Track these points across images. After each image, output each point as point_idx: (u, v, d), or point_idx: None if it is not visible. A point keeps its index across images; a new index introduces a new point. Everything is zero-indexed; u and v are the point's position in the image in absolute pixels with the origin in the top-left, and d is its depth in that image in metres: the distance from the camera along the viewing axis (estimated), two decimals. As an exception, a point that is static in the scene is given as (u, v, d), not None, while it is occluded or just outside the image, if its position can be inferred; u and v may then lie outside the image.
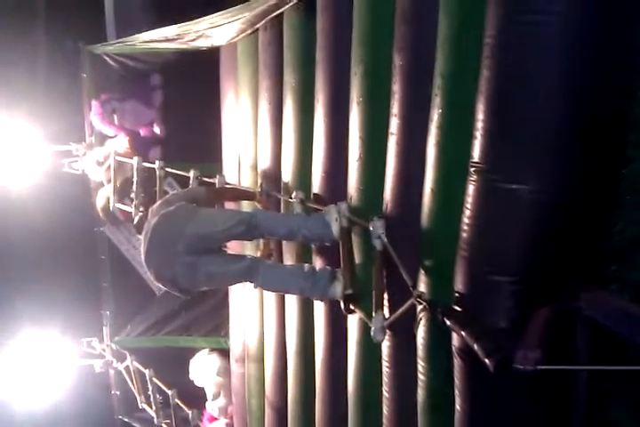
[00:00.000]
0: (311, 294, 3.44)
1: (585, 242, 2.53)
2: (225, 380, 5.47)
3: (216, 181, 4.31)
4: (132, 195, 4.81)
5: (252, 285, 3.50)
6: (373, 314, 3.10)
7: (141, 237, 3.39)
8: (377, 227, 3.01)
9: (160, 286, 3.48)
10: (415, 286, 2.91)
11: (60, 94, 6.51)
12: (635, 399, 2.44)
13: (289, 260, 4.04)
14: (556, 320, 2.42)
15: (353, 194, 3.33)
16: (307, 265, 3.51)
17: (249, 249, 4.47)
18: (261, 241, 4.27)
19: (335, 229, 3.28)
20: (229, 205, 4.47)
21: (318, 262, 3.71)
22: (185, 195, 3.79)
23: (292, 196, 3.73)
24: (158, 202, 3.67)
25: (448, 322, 2.65)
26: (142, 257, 3.36)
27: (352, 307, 3.37)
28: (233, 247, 4.24)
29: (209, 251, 3.30)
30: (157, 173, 4.58)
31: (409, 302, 2.90)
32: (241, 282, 3.72)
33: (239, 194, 4.33)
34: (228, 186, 4.36)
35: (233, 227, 3.34)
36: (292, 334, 4.14)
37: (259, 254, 4.21)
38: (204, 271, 3.25)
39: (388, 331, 3.06)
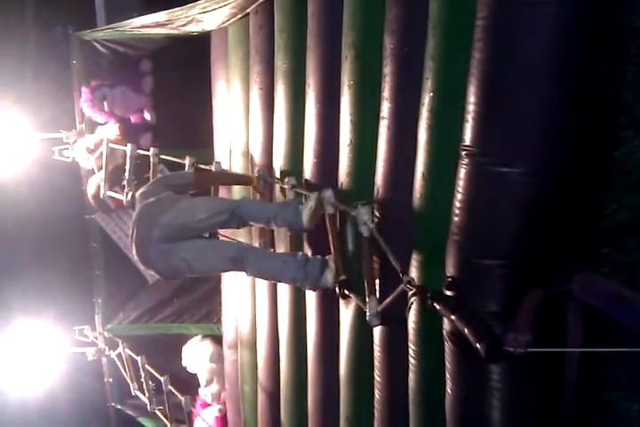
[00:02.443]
0: (303, 285, 3.44)
1: (576, 225, 2.54)
2: (218, 366, 5.47)
3: (212, 167, 4.28)
4: (124, 182, 4.77)
5: (245, 274, 3.50)
6: (367, 299, 3.10)
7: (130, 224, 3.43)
8: (362, 213, 2.99)
9: (150, 272, 3.51)
10: (405, 271, 2.90)
11: (50, 81, 6.45)
12: (627, 380, 2.46)
13: (281, 247, 4.04)
14: (547, 303, 2.42)
15: (344, 179, 3.32)
16: (299, 254, 3.51)
17: (241, 235, 4.45)
18: (253, 228, 4.27)
19: (305, 219, 3.26)
20: (222, 190, 4.45)
21: (310, 250, 3.70)
22: (172, 179, 3.77)
23: (285, 181, 3.71)
24: (146, 186, 3.66)
25: (438, 307, 2.65)
26: (131, 247, 3.40)
27: (347, 292, 3.37)
28: (224, 234, 4.22)
29: (187, 239, 3.31)
30: (151, 159, 4.55)
31: (399, 289, 2.90)
32: (229, 271, 3.71)
33: (233, 179, 4.31)
34: (222, 171, 4.34)
35: (214, 216, 3.36)
36: (285, 320, 4.14)
37: (255, 241, 4.21)
38: (181, 257, 3.26)
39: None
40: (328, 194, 3.25)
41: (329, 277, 3.32)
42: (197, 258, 3.31)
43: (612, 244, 2.47)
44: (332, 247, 3.37)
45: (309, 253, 3.65)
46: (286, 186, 3.69)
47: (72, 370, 6.04)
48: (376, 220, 3.09)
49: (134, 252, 3.38)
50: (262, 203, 3.87)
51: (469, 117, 2.52)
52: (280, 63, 3.83)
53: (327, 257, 3.41)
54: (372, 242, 3.04)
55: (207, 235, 3.71)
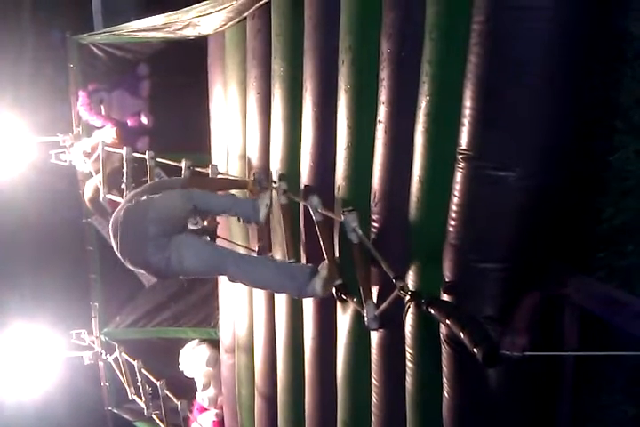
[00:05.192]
0: (292, 293, 3.44)
1: (572, 229, 2.54)
2: (215, 370, 5.47)
3: (208, 171, 4.29)
4: (123, 185, 4.76)
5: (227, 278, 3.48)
6: (364, 304, 3.10)
7: (110, 233, 3.40)
8: (349, 220, 2.97)
9: (139, 271, 3.52)
10: (400, 276, 2.90)
11: (47, 85, 6.46)
12: (623, 383, 2.46)
13: (278, 251, 4.04)
14: (543, 307, 2.43)
15: (341, 182, 3.32)
16: (288, 262, 3.51)
17: (238, 239, 4.46)
18: (251, 230, 4.28)
19: (262, 214, 3.46)
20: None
21: (306, 255, 3.70)
22: (164, 184, 3.77)
23: (275, 186, 3.72)
24: (135, 190, 3.66)
25: (432, 312, 2.65)
26: (116, 250, 3.38)
27: (344, 296, 3.37)
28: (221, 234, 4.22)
29: (179, 230, 3.34)
30: (148, 163, 4.55)
31: (393, 294, 2.89)
32: (214, 274, 3.69)
33: (228, 183, 4.30)
34: (219, 176, 4.34)
35: (182, 205, 3.40)
36: (282, 324, 4.14)
37: (252, 245, 4.21)
38: (175, 246, 3.25)
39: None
40: (315, 201, 3.25)
41: (317, 286, 3.29)
42: (188, 253, 3.29)
43: (607, 248, 2.47)
44: (324, 253, 3.37)
45: (304, 260, 3.67)
46: (274, 192, 3.68)
47: (69, 374, 6.04)
48: (373, 223, 3.09)
49: (124, 254, 3.34)
50: (214, 194, 3.85)
51: (466, 121, 2.52)
52: (277, 67, 3.84)
53: (321, 264, 3.40)
54: (363, 248, 3.03)
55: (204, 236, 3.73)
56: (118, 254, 3.37)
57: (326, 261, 3.38)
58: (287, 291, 3.43)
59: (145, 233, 3.25)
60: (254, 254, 4.11)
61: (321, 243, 3.35)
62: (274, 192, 3.73)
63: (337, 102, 3.30)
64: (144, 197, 3.45)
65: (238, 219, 3.69)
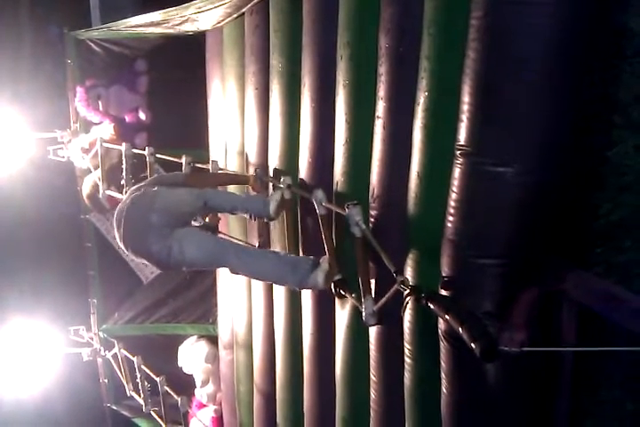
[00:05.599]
0: (293, 284, 3.44)
1: (570, 225, 2.54)
2: (213, 366, 5.48)
3: (208, 166, 4.28)
4: (122, 182, 4.76)
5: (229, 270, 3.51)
6: (362, 299, 3.10)
7: (114, 222, 3.44)
8: (353, 214, 2.97)
9: (142, 261, 3.53)
10: (399, 271, 2.90)
11: (45, 81, 6.45)
12: (621, 378, 2.46)
13: (277, 246, 4.04)
14: (541, 302, 2.43)
15: (339, 178, 3.32)
16: (289, 255, 3.51)
17: (236, 233, 4.45)
18: (249, 226, 4.27)
19: (272, 208, 3.53)
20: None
21: (307, 249, 3.70)
22: (165, 179, 3.78)
23: (281, 181, 3.71)
24: (138, 184, 3.67)
25: (432, 306, 2.65)
26: (118, 239, 3.41)
27: (342, 292, 3.37)
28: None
29: (182, 224, 3.37)
30: (147, 159, 4.55)
31: (393, 289, 2.89)
32: (216, 266, 3.73)
33: (229, 179, 4.31)
34: (220, 171, 4.34)
35: (193, 202, 3.46)
36: (281, 320, 4.14)
37: (251, 239, 4.21)
38: (177, 238, 3.27)
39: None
40: (319, 195, 3.25)
41: (319, 277, 3.30)
42: (190, 244, 3.31)
43: (605, 244, 2.47)
44: (326, 247, 3.36)
45: (301, 253, 3.66)
46: (282, 185, 3.68)
47: (67, 371, 6.04)
48: (371, 219, 3.09)
49: (127, 242, 3.36)
50: (226, 193, 3.98)
51: (464, 117, 2.52)
52: (275, 63, 3.83)
53: (322, 258, 3.40)
54: (365, 242, 3.03)
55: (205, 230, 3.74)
56: (121, 244, 3.41)
57: (327, 255, 3.38)
58: (288, 282, 3.44)
59: (148, 221, 3.28)
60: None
61: (323, 237, 3.34)
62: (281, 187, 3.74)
63: (335, 98, 3.30)
64: (154, 188, 3.49)
65: (250, 216, 3.72)
